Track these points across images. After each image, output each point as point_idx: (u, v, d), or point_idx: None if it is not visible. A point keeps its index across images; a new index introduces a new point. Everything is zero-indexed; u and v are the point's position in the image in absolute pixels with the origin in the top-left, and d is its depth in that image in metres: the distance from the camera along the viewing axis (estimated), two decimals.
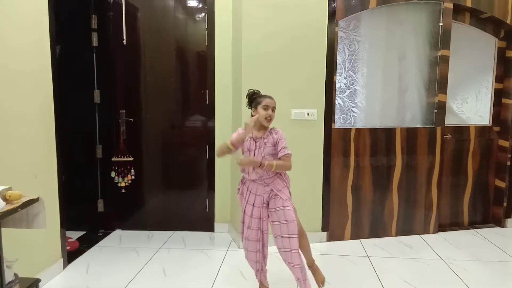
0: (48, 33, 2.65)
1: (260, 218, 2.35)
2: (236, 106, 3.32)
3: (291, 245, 2.28)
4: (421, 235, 3.63)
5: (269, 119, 2.28)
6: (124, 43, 3.43)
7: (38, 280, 2.06)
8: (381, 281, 2.73)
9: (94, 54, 3.50)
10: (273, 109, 2.30)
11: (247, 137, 2.31)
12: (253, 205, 2.34)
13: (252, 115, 2.36)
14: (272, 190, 2.32)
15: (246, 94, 2.40)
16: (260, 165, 2.18)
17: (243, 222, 2.41)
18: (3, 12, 2.25)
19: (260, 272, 2.47)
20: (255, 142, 2.30)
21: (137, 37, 3.48)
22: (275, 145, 2.29)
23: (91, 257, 3.10)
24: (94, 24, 3.46)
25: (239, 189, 2.44)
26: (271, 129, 2.34)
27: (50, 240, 2.71)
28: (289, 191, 2.39)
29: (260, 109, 2.28)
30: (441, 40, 3.49)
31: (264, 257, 2.44)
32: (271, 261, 2.59)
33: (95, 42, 3.47)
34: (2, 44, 2.24)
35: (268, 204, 2.35)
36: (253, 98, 2.36)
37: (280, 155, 2.25)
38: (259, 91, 2.39)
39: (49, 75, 2.67)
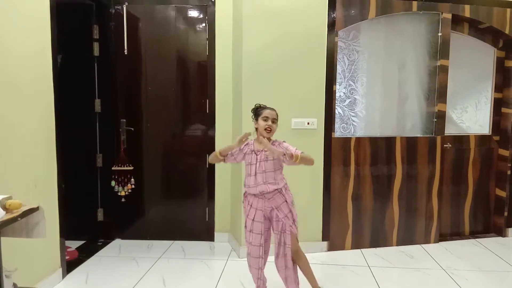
0: (50, 42, 2.67)
1: (261, 234, 2.34)
2: (236, 115, 3.33)
3: (286, 262, 2.34)
4: (422, 244, 3.61)
5: (269, 130, 2.27)
6: (125, 53, 3.46)
7: None
8: None
9: (95, 64, 3.52)
10: (274, 121, 2.30)
11: (250, 150, 2.32)
12: (253, 220, 2.34)
13: (255, 128, 2.36)
14: (272, 207, 2.32)
15: (251, 109, 2.41)
16: (285, 155, 2.15)
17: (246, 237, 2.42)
18: (6, 21, 2.27)
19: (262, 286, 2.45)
20: (256, 155, 2.30)
21: (138, 47, 3.50)
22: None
23: (91, 266, 3.08)
24: (96, 34, 3.48)
25: (243, 202, 2.45)
26: (273, 141, 2.33)
27: (50, 249, 2.70)
28: (289, 207, 2.35)
29: (260, 120, 2.30)
30: (440, 50, 3.52)
31: (264, 263, 2.43)
32: (273, 270, 2.57)
33: (96, 52, 3.49)
34: (4, 54, 2.26)
35: (269, 219, 2.36)
36: (257, 111, 2.37)
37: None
38: (264, 105, 2.39)
39: (50, 84, 2.69)
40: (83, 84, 3.54)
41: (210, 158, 2.38)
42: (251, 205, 2.35)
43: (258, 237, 2.34)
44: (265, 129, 2.27)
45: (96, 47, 3.49)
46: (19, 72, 2.39)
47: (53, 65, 2.70)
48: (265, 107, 2.36)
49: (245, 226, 2.41)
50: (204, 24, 3.47)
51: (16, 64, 2.36)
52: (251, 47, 3.15)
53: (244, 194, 2.43)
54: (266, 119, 2.28)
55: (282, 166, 2.33)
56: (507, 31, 3.61)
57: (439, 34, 3.51)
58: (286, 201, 2.33)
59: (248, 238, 2.37)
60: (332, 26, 3.25)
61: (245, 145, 2.34)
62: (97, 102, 3.54)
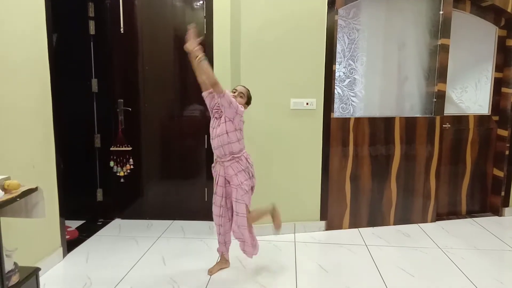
0: (45, 21, 2.61)
1: (222, 196, 2.56)
2: None
3: (242, 233, 2.58)
4: (419, 224, 3.65)
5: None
6: (122, 31, 3.40)
7: (37, 269, 2.07)
8: (379, 269, 2.76)
9: (92, 43, 3.46)
10: (241, 95, 2.50)
11: None
12: (217, 184, 2.55)
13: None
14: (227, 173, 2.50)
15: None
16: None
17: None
18: (0, 2, 2.22)
19: (223, 244, 2.70)
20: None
21: (135, 25, 3.44)
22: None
23: (91, 246, 3.11)
24: (91, 12, 3.42)
25: (213, 167, 2.62)
26: None
27: (50, 229, 2.72)
28: (249, 174, 2.50)
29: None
30: (441, 29, 3.47)
31: (227, 230, 2.67)
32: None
33: (92, 31, 3.44)
34: None
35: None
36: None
37: None
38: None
39: (46, 65, 2.65)
40: (80, 63, 3.49)
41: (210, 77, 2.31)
42: (215, 171, 2.57)
43: (219, 198, 2.57)
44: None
45: (92, 25, 3.43)
46: (15, 52, 2.35)
47: (48, 44, 2.65)
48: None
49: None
50: (201, 2, 3.40)
51: (11, 44, 2.31)
52: (250, 25, 3.09)
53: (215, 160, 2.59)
54: (234, 91, 2.50)
55: (238, 130, 2.44)
56: (509, 9, 3.56)
57: (441, 12, 3.45)
58: (243, 170, 2.47)
59: (213, 199, 2.62)
60: (332, 3, 3.18)
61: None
62: (94, 81, 3.50)
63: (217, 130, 2.42)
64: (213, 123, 2.48)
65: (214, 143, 2.45)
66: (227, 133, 2.39)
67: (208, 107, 2.52)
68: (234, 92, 2.48)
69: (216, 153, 2.49)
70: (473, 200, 3.92)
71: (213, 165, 2.60)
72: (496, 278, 2.65)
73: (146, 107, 3.53)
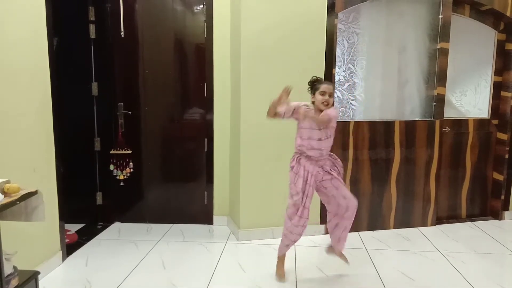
0: (45, 26, 2.62)
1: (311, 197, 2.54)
2: (235, 98, 3.31)
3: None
4: (419, 227, 3.64)
5: (326, 103, 2.41)
6: (122, 35, 3.41)
7: (37, 273, 2.07)
8: (379, 273, 2.75)
9: (92, 46, 3.47)
10: (330, 95, 2.43)
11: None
12: (309, 184, 2.50)
13: (312, 101, 2.50)
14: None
15: (308, 81, 2.52)
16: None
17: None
18: (0, 5, 2.23)
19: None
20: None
21: (135, 29, 3.45)
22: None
23: (90, 249, 3.11)
24: (92, 16, 3.43)
25: (292, 167, 2.53)
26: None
27: (49, 233, 2.72)
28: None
29: (317, 94, 2.44)
30: (440, 33, 3.48)
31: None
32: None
33: (92, 34, 3.44)
34: None
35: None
36: (314, 85, 2.49)
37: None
38: (321, 78, 2.53)
39: (46, 68, 2.65)
40: (80, 67, 3.49)
41: (270, 112, 2.49)
42: (307, 171, 2.47)
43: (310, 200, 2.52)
44: (322, 103, 2.41)
45: (92, 29, 3.44)
46: (15, 56, 2.35)
47: (49, 48, 2.65)
48: (321, 81, 2.48)
49: (303, 191, 2.47)
50: (201, 6, 3.42)
51: (11, 48, 2.32)
52: (250, 29, 3.10)
53: (296, 158, 2.53)
54: (323, 93, 2.42)
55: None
56: (508, 14, 3.57)
57: (440, 16, 3.47)
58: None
59: (305, 202, 2.49)
60: (332, 8, 3.20)
61: (304, 106, 2.49)
62: (94, 85, 3.51)
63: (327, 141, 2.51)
64: (320, 134, 2.48)
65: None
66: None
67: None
68: (323, 95, 2.43)
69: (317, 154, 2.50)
70: (473, 203, 3.92)
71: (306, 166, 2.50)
72: (497, 282, 2.65)
73: (147, 111, 3.53)
